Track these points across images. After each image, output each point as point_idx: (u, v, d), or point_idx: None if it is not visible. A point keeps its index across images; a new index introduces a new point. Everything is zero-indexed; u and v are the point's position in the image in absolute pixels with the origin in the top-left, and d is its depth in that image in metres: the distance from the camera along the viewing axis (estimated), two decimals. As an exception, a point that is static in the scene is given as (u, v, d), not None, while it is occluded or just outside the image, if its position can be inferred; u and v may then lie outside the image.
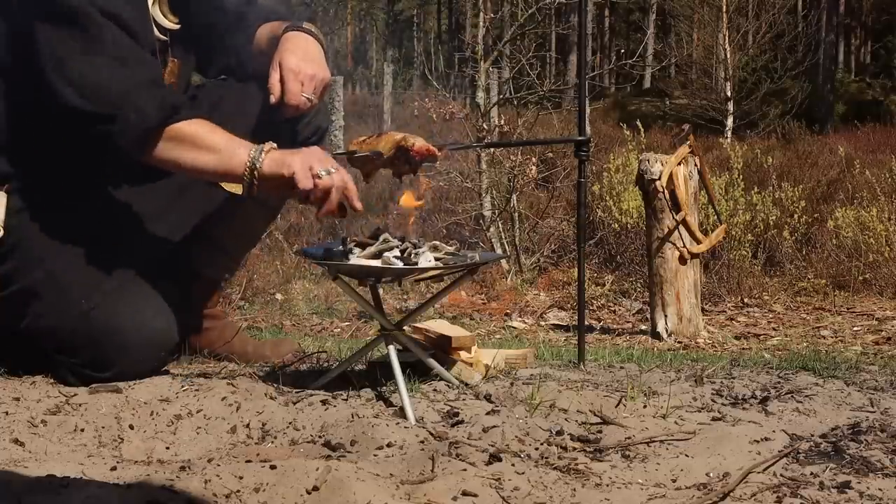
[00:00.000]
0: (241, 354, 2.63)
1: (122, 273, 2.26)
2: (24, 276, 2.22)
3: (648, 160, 4.63)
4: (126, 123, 2.10)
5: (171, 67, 2.36)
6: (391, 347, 2.20)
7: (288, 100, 2.30)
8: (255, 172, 2.11)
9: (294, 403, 2.11)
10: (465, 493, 1.57)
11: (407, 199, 2.29)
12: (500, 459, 1.73)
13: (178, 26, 2.36)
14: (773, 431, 2.02)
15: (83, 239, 2.25)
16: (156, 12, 2.30)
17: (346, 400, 2.16)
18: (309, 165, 2.11)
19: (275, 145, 2.17)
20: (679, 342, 4.49)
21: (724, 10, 15.95)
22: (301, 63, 2.31)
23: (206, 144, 2.15)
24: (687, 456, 1.87)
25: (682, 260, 4.60)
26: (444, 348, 2.47)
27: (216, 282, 2.70)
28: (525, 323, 5.38)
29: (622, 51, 11.64)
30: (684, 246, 4.60)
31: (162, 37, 2.33)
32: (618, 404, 2.17)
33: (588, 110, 9.41)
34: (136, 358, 2.20)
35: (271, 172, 2.12)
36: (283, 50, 2.33)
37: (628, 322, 5.47)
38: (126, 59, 2.13)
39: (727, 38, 15.87)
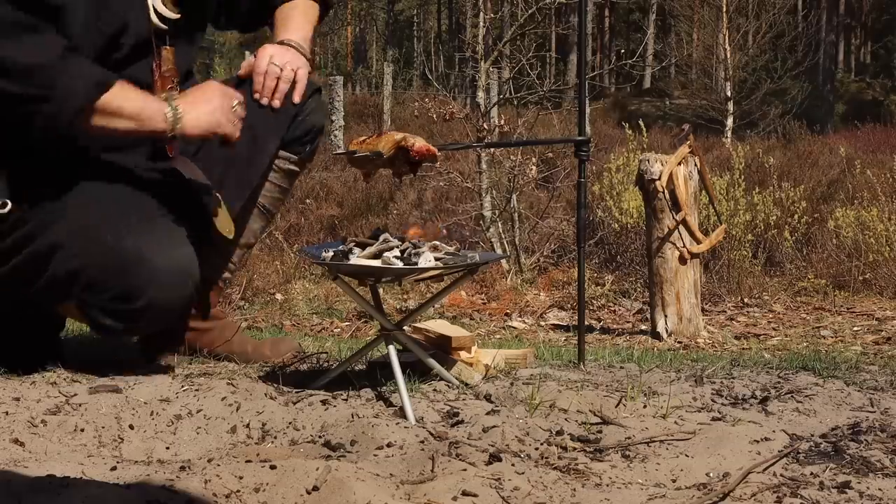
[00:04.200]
0: (240, 354, 2.63)
1: (143, 211, 2.26)
2: (44, 232, 2.21)
3: (648, 160, 4.63)
4: (59, 103, 2.07)
5: (165, 55, 2.35)
6: (391, 347, 2.20)
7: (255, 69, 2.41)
8: (177, 135, 2.22)
9: (294, 403, 2.11)
10: (465, 493, 1.57)
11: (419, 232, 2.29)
12: (500, 459, 1.73)
13: (178, 16, 2.36)
14: (773, 431, 2.02)
15: (100, 189, 2.25)
16: (156, 1, 2.31)
17: (346, 400, 2.16)
18: (228, 109, 2.26)
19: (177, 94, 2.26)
20: (679, 342, 4.50)
21: (724, 10, 15.96)
22: (276, 53, 2.43)
23: (127, 114, 2.17)
24: (687, 456, 1.87)
25: (682, 260, 4.60)
26: (444, 348, 2.47)
27: (212, 283, 2.70)
28: (525, 323, 5.38)
29: (622, 51, 11.65)
30: (684, 246, 4.60)
31: (161, 25, 2.33)
32: (618, 404, 2.17)
33: (588, 110, 9.42)
34: (167, 284, 2.18)
35: (195, 133, 2.24)
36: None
37: (628, 322, 5.47)
38: (39, 30, 2.08)
39: (727, 38, 15.89)
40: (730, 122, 15.75)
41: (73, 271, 2.20)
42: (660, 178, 4.53)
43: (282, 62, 2.43)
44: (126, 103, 2.15)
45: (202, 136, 2.26)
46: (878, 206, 7.24)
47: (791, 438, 2.02)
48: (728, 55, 15.82)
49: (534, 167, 7.59)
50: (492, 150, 7.48)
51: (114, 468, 1.70)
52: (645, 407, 2.17)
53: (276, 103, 2.44)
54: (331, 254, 2.22)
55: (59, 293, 2.24)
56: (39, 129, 2.11)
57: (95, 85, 2.10)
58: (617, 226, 7.42)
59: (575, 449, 1.91)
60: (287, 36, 2.48)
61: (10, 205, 2.10)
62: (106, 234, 2.18)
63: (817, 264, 7.15)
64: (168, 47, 2.35)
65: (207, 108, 2.25)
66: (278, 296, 6.05)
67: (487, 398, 2.23)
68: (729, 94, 15.93)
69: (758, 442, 1.95)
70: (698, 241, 4.64)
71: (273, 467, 1.59)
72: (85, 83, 2.09)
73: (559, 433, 1.98)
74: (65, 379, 2.28)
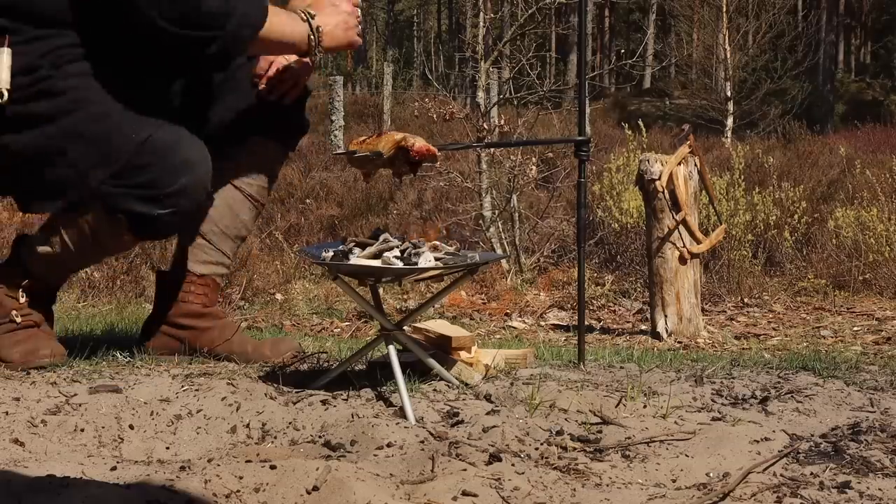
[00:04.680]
0: (240, 354, 2.63)
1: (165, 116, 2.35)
2: (64, 116, 2.24)
3: (648, 160, 4.63)
4: (225, 43, 2.19)
5: None
6: (391, 347, 2.20)
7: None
8: (318, 49, 2.33)
9: (294, 403, 2.11)
10: (465, 493, 1.57)
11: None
12: (500, 459, 1.73)
13: None
14: (773, 431, 2.02)
15: (128, 88, 2.29)
16: None
17: (346, 400, 2.16)
18: (355, 22, 2.38)
19: (312, 13, 2.34)
20: (679, 342, 4.49)
21: (724, 10, 15.97)
22: None
23: (278, 40, 2.29)
24: (687, 456, 1.87)
25: (682, 260, 4.60)
26: (444, 348, 2.47)
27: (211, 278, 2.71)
28: (525, 323, 5.38)
29: (622, 51, 11.65)
30: (684, 246, 4.60)
31: None
32: (618, 404, 2.17)
33: (588, 110, 9.42)
34: (198, 170, 2.30)
35: (331, 48, 2.35)
36: None
37: (628, 322, 5.47)
38: None
39: (727, 38, 15.89)
40: (730, 122, 15.75)
41: (95, 162, 2.25)
42: (660, 178, 4.53)
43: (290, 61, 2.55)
44: (277, 31, 2.26)
45: (336, 50, 2.39)
46: (878, 206, 7.24)
47: (791, 438, 2.02)
48: (728, 55, 15.82)
49: (534, 167, 7.58)
50: (492, 150, 7.48)
51: (114, 468, 1.71)
52: (645, 407, 2.17)
53: (274, 97, 2.58)
54: (331, 254, 2.22)
55: (69, 181, 2.28)
56: (203, 62, 2.29)
57: (252, 26, 2.21)
58: (617, 226, 7.42)
59: (575, 449, 1.91)
60: None
61: (6, 95, 2.14)
62: (131, 132, 2.26)
63: (817, 264, 7.15)
64: None
65: (340, 21, 2.35)
66: (278, 296, 6.05)
67: (487, 398, 2.23)
68: (729, 94, 15.93)
69: (758, 442, 1.95)
70: (698, 241, 4.64)
71: (273, 467, 1.59)
72: (250, 22, 2.21)
73: (559, 433, 1.98)
74: (65, 379, 2.28)
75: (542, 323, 5.41)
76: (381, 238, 2.21)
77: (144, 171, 2.25)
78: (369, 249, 2.19)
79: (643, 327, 5.06)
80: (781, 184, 8.23)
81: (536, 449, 1.89)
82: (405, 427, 1.90)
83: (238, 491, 1.53)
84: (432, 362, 2.35)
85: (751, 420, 2.12)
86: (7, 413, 1.95)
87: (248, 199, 2.66)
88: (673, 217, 4.58)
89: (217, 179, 2.53)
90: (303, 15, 2.32)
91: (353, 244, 2.23)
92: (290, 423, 2.00)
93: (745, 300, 6.19)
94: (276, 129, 2.63)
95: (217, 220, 2.63)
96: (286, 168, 11.08)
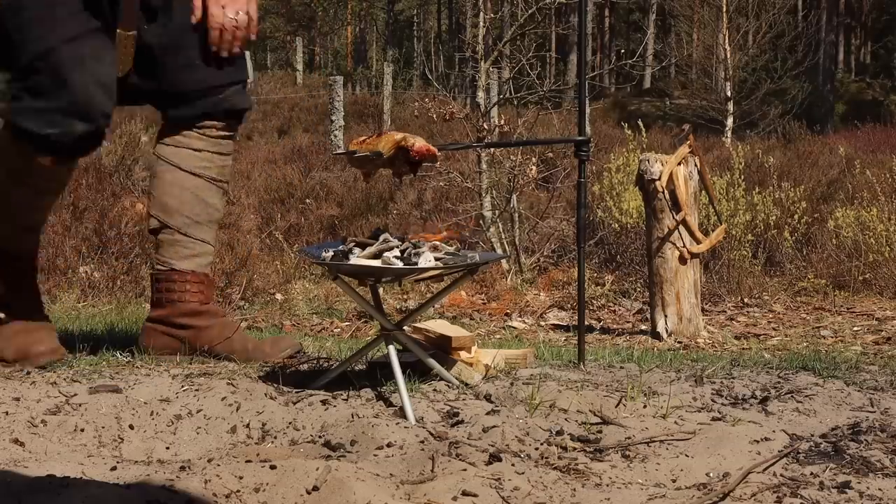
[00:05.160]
0: (241, 352, 2.63)
1: (89, 22, 2.35)
2: None
3: (648, 160, 4.63)
4: None
5: None
6: (391, 347, 2.20)
7: (210, 23, 2.49)
8: None
9: (294, 403, 2.11)
10: (465, 493, 1.57)
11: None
12: (500, 459, 1.74)
13: None
14: (773, 431, 2.02)
15: None
16: None
17: (346, 400, 2.16)
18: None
19: None
20: (679, 342, 4.49)
21: (724, 10, 15.95)
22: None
23: None
24: (687, 456, 1.87)
25: (682, 260, 4.60)
26: (444, 348, 2.47)
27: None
28: (525, 323, 5.38)
29: (622, 51, 11.64)
30: (684, 246, 4.60)
31: None
32: (618, 404, 2.17)
33: (588, 110, 9.41)
34: (96, 90, 2.32)
35: None
36: None
37: (628, 322, 5.47)
38: None
39: (727, 38, 15.88)
40: (730, 122, 15.74)
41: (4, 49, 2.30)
42: (660, 178, 4.53)
43: (234, 10, 2.52)
44: None
45: None
46: (878, 206, 7.23)
47: (791, 438, 2.02)
48: (728, 55, 15.81)
49: (534, 167, 7.56)
50: (492, 150, 7.47)
51: (114, 468, 1.71)
52: (645, 407, 2.17)
53: (237, 51, 2.56)
54: (331, 254, 2.22)
55: None
56: None
57: None
58: (617, 226, 7.41)
59: (575, 449, 1.91)
60: None
61: None
62: (46, 32, 2.29)
63: (817, 264, 7.14)
64: None
65: None
66: (278, 296, 6.05)
67: (487, 398, 2.23)
68: (729, 94, 15.92)
69: (758, 442, 1.95)
70: (698, 241, 4.64)
71: (273, 467, 1.59)
72: None
73: (559, 433, 1.98)
74: (65, 379, 2.28)
75: (542, 323, 5.41)
76: (381, 238, 2.21)
77: (37, 76, 2.29)
78: (369, 249, 2.20)
79: (643, 327, 5.06)
80: (781, 184, 8.22)
81: (536, 449, 1.89)
82: (405, 427, 1.90)
83: (238, 491, 1.53)
84: (432, 362, 2.35)
85: (751, 420, 2.12)
86: (7, 413, 1.95)
87: (210, 182, 2.67)
88: (673, 217, 4.58)
89: (172, 168, 2.60)
90: None
91: (353, 244, 2.23)
92: (290, 423, 2.00)
93: (745, 300, 6.19)
94: (222, 108, 2.63)
95: (188, 212, 2.64)
96: (286, 168, 11.08)
